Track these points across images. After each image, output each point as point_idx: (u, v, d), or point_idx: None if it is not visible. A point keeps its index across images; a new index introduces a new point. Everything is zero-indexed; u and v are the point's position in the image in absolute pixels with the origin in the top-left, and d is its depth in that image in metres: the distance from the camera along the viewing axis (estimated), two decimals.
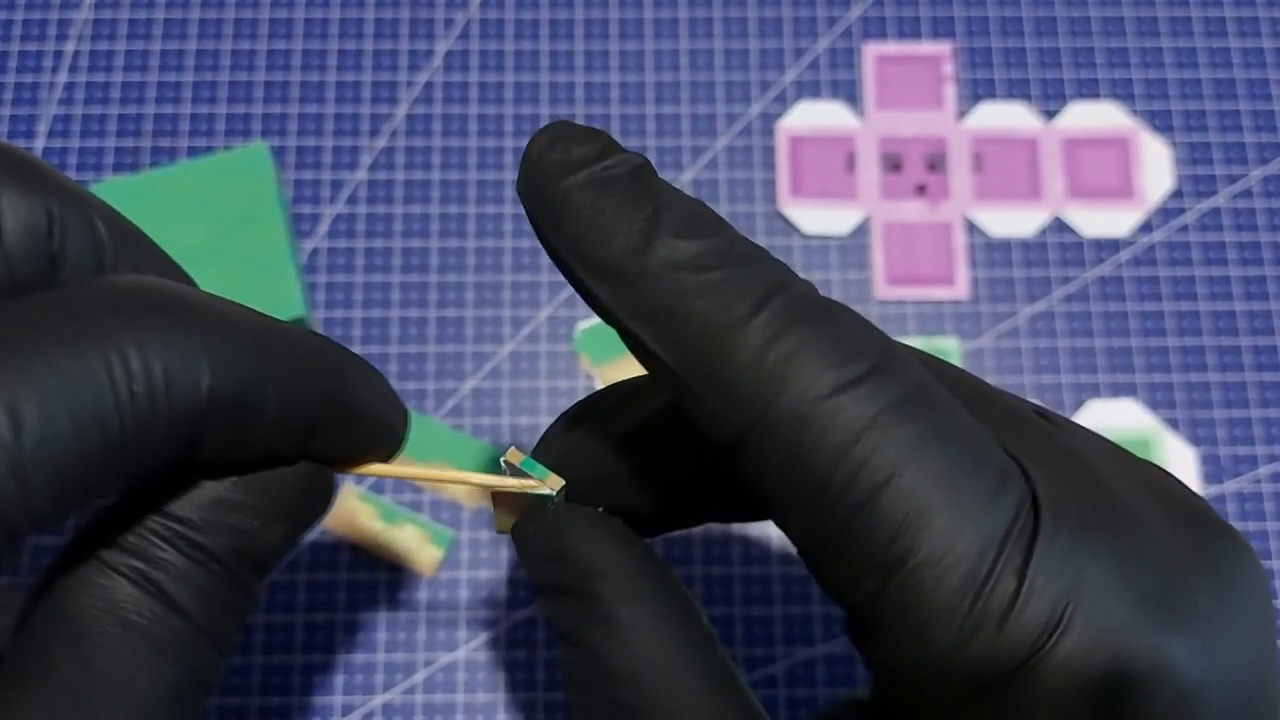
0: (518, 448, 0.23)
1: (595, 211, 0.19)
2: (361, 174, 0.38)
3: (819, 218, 0.37)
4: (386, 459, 0.23)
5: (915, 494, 0.17)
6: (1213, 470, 0.35)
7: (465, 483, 0.23)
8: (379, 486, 0.35)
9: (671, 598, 0.21)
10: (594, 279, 0.19)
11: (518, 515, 0.23)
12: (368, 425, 0.22)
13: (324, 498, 0.22)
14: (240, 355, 0.19)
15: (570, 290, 0.37)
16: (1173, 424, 0.36)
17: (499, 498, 0.23)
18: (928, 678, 0.18)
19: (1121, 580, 0.17)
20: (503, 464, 0.23)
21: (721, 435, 0.18)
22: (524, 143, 0.38)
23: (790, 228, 0.37)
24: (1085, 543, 0.17)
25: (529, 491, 0.22)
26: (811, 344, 0.18)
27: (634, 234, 0.19)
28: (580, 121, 0.38)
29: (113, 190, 0.36)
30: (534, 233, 0.20)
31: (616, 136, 0.38)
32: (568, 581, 0.21)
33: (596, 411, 0.23)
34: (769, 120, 0.38)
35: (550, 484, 0.22)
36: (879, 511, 0.17)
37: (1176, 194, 0.38)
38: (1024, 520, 0.17)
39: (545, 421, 0.36)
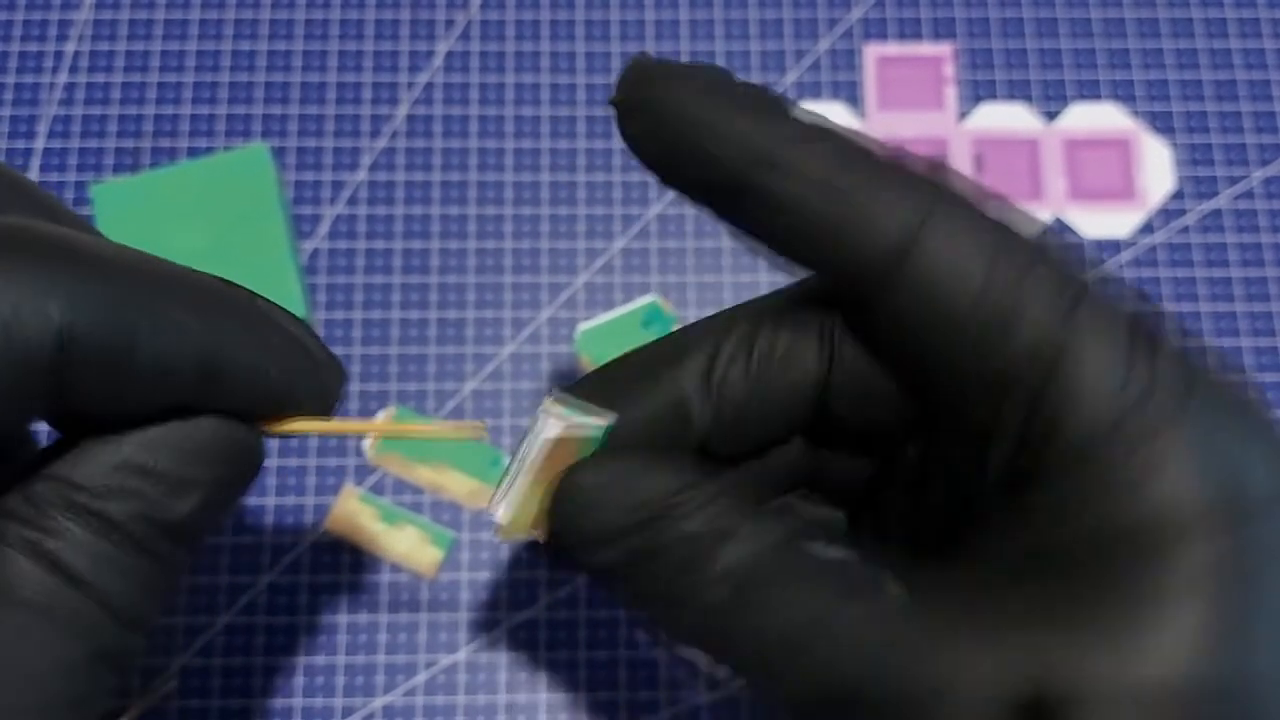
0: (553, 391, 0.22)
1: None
2: (362, 175, 0.38)
3: None
4: (319, 415, 0.21)
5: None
6: None
7: (411, 435, 0.21)
8: (379, 488, 0.35)
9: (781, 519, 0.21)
10: (727, 144, 0.20)
11: (553, 478, 0.21)
12: (281, 374, 0.20)
13: (246, 459, 0.20)
14: (100, 294, 0.17)
15: (570, 292, 0.37)
16: None
17: (548, 459, 0.21)
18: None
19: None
20: (547, 408, 0.21)
21: (882, 245, 0.19)
22: (524, 143, 0.38)
23: None
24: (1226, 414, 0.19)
25: (581, 431, 0.21)
26: (956, 180, 0.20)
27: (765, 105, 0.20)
28: (581, 122, 0.38)
29: (113, 191, 0.36)
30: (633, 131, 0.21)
31: (617, 137, 0.38)
32: (662, 522, 0.20)
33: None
34: None
35: (598, 420, 0.21)
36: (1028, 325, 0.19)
37: (1177, 195, 0.38)
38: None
39: None
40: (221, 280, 0.20)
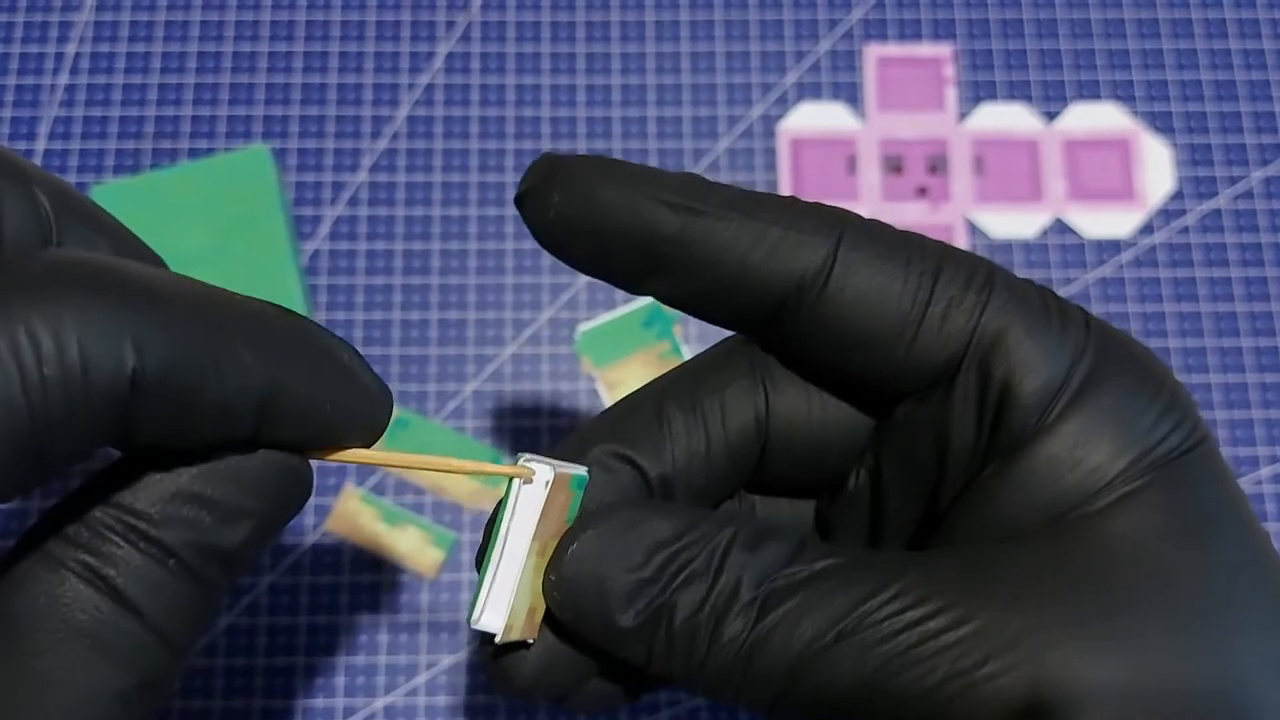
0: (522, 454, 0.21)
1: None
2: (363, 176, 0.38)
3: None
4: (366, 444, 0.21)
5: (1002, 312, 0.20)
6: None
7: (456, 471, 0.21)
8: (380, 489, 0.35)
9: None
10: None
11: (550, 542, 0.20)
12: (334, 407, 0.20)
13: (296, 490, 0.20)
14: (171, 334, 0.17)
15: (571, 292, 0.37)
16: None
17: (542, 521, 0.20)
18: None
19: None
20: (523, 463, 0.20)
21: (806, 268, 0.20)
22: (525, 144, 0.38)
23: None
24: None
25: (568, 472, 0.20)
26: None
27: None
28: (581, 123, 0.38)
29: (114, 192, 0.36)
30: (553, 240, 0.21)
31: (618, 139, 0.38)
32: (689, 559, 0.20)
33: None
34: (770, 122, 0.38)
35: (577, 469, 0.21)
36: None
37: (1177, 195, 0.38)
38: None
39: (546, 423, 0.36)
40: (279, 310, 0.20)
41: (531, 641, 0.21)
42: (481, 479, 0.35)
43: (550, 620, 0.21)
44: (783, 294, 0.21)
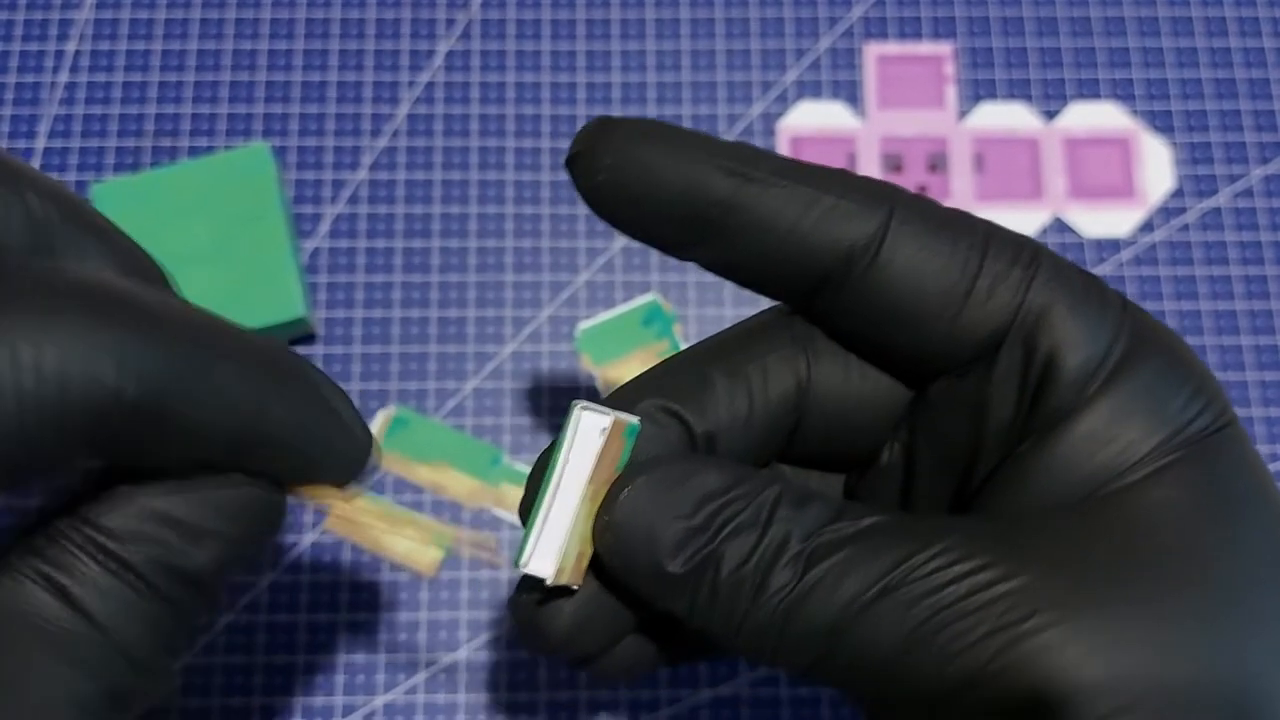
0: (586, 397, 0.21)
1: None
2: (363, 174, 0.38)
3: None
4: (341, 483, 0.21)
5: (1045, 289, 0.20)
6: None
7: (418, 532, 0.21)
8: (379, 487, 0.35)
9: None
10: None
11: (601, 488, 0.20)
12: (314, 444, 0.20)
13: (267, 518, 0.21)
14: (157, 358, 0.18)
15: (571, 290, 0.37)
16: None
17: (597, 467, 0.20)
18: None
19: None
20: (579, 409, 0.20)
21: (857, 237, 0.20)
22: (525, 143, 0.38)
23: None
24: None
25: (624, 423, 0.20)
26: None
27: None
28: (582, 121, 0.38)
29: (114, 190, 0.36)
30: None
31: None
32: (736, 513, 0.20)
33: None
34: (770, 120, 0.38)
35: (629, 417, 0.21)
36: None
37: (1177, 194, 0.38)
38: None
39: (547, 421, 0.36)
40: (270, 342, 0.20)
41: (576, 588, 0.20)
42: (483, 479, 0.35)
43: (595, 569, 0.21)
44: (831, 263, 0.21)
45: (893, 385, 0.22)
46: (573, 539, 0.20)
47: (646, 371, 0.22)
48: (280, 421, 0.20)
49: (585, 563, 0.20)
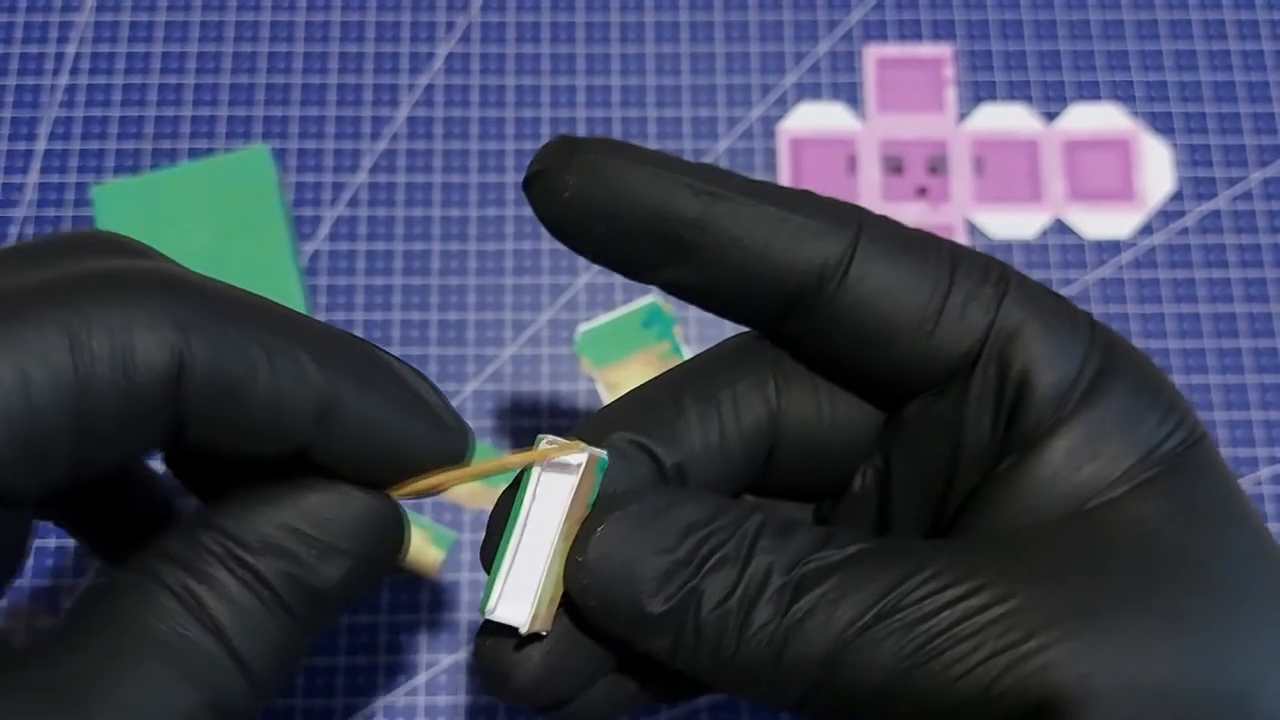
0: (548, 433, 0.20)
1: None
2: (363, 177, 0.38)
3: None
4: (440, 470, 0.20)
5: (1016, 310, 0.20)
6: None
7: (507, 467, 0.20)
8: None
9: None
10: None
11: (572, 527, 0.19)
12: (398, 429, 0.20)
13: (390, 534, 0.20)
14: (216, 325, 0.18)
15: (571, 293, 0.37)
16: None
17: (573, 504, 0.19)
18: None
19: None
20: (547, 445, 0.20)
21: (826, 258, 0.20)
22: (525, 145, 0.38)
23: None
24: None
25: (596, 457, 0.19)
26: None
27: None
28: (581, 125, 0.38)
29: (114, 193, 0.36)
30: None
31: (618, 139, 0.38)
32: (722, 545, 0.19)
33: None
34: (770, 123, 0.38)
35: (599, 451, 0.20)
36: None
37: (1177, 196, 0.38)
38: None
39: (547, 424, 0.36)
40: (347, 333, 0.20)
41: (546, 633, 0.20)
42: (482, 479, 0.35)
43: (567, 609, 0.20)
44: (802, 282, 0.21)
45: (864, 410, 0.22)
46: (545, 582, 0.19)
47: (616, 401, 0.22)
48: (355, 396, 0.19)
49: (555, 606, 0.20)
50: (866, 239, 0.21)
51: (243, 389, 0.18)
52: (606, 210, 0.21)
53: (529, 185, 0.21)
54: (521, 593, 0.19)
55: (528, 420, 0.36)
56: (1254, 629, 0.18)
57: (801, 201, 0.21)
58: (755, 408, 0.22)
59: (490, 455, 0.35)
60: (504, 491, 0.20)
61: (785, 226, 0.20)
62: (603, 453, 0.20)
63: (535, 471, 0.19)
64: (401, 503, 0.21)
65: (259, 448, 0.19)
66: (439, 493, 0.21)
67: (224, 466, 0.20)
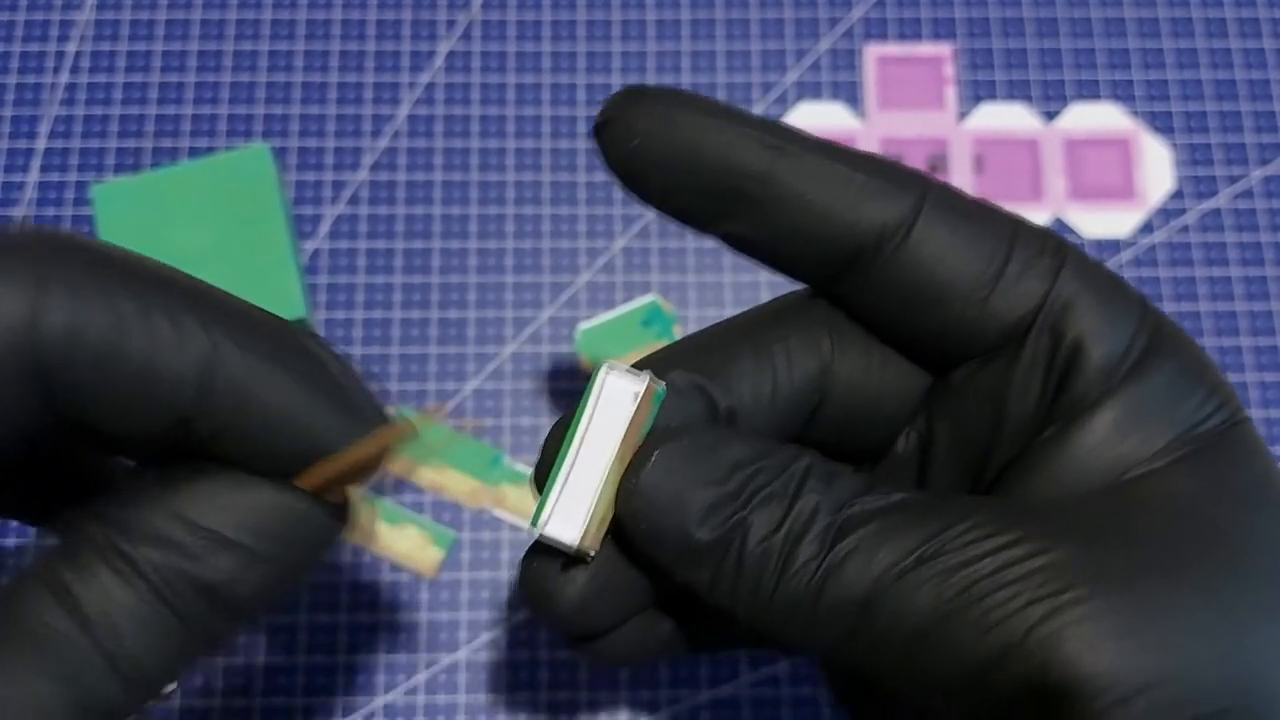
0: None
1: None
2: (363, 175, 0.38)
3: None
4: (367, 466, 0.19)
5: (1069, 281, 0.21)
6: None
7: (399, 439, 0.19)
8: (380, 487, 0.35)
9: None
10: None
11: (625, 453, 0.19)
12: (299, 406, 0.18)
13: (301, 528, 0.19)
14: (92, 284, 0.17)
15: (571, 291, 0.37)
16: None
17: (629, 430, 0.19)
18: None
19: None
20: (608, 369, 0.19)
21: (888, 219, 0.20)
22: (525, 144, 0.38)
23: None
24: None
25: (654, 387, 0.19)
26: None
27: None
28: (582, 122, 0.38)
29: (114, 191, 0.36)
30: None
31: None
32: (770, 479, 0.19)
33: None
34: None
35: (657, 382, 0.20)
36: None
37: (1177, 195, 0.38)
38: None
39: (547, 422, 0.36)
40: (263, 311, 0.19)
41: (592, 556, 0.20)
42: (482, 479, 0.35)
43: (614, 535, 0.20)
44: (862, 241, 0.21)
45: (912, 373, 0.22)
46: (596, 503, 0.19)
47: (675, 343, 0.22)
48: (240, 366, 0.18)
49: (604, 529, 0.20)
50: (930, 204, 0.21)
51: (111, 347, 0.17)
52: (673, 160, 0.21)
53: (599, 132, 0.21)
54: (573, 512, 0.19)
55: (528, 418, 0.36)
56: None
57: (867, 162, 0.21)
58: (807, 362, 0.22)
59: (490, 455, 0.35)
60: (560, 417, 0.21)
61: (850, 185, 0.21)
62: (661, 384, 0.20)
63: (594, 394, 0.19)
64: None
65: (137, 421, 0.18)
66: (358, 482, 0.19)
67: (108, 449, 0.19)
